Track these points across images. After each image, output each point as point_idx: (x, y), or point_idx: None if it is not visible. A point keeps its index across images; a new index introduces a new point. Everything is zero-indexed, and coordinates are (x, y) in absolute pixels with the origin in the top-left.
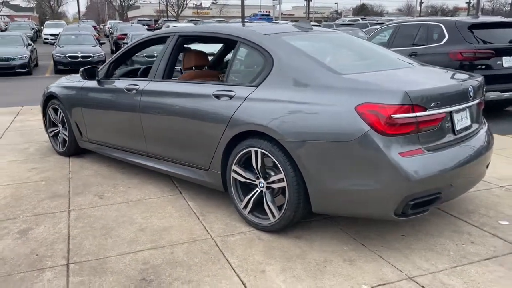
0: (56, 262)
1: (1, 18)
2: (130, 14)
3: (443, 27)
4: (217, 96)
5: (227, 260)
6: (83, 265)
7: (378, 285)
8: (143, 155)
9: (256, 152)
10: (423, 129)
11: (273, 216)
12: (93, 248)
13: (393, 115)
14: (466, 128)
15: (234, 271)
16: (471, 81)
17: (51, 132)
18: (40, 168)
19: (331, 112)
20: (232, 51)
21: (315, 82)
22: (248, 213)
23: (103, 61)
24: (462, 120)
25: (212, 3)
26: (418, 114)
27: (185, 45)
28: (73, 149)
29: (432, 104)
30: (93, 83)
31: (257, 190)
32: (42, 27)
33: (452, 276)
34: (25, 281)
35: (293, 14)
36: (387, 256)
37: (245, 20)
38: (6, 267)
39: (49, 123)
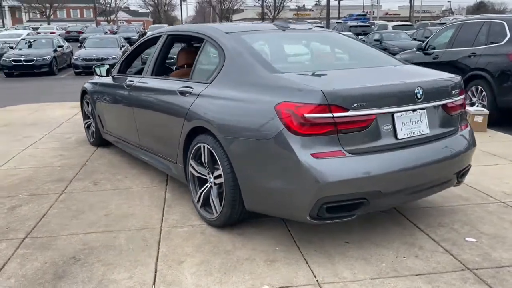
0: (17, 235)
1: (120, 22)
2: (235, 17)
3: (505, 25)
4: (181, 93)
5: (158, 249)
6: (36, 241)
7: (281, 287)
8: (137, 147)
9: (204, 147)
10: (344, 131)
11: (216, 211)
12: (54, 227)
13: (306, 115)
14: (418, 132)
15: (156, 259)
16: (422, 81)
17: (85, 123)
18: (66, 155)
19: (256, 110)
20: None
21: (249, 80)
22: (200, 207)
23: None
24: (410, 123)
25: (316, 4)
26: (336, 114)
27: (193, 45)
28: (99, 140)
29: (355, 104)
30: (108, 79)
31: (208, 185)
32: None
33: (364, 287)
34: None
35: (399, 14)
36: (312, 261)
37: (339, 21)
38: None
39: (84, 116)
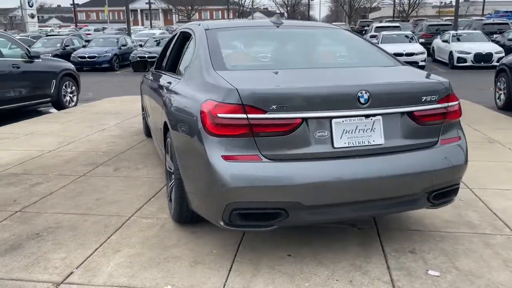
0: (14, 208)
1: None
2: (372, 15)
3: None
4: (165, 87)
5: (109, 237)
6: (23, 215)
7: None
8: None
9: (168, 142)
10: (261, 134)
11: (172, 207)
12: (47, 205)
13: (220, 114)
14: (367, 142)
15: (100, 245)
16: (369, 84)
17: (142, 115)
18: (116, 143)
19: (191, 107)
20: None
21: (198, 76)
22: (169, 201)
23: (425, 59)
24: (356, 132)
25: (465, 0)
26: (252, 116)
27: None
28: (147, 130)
29: (274, 107)
30: (148, 74)
31: (173, 180)
32: None
33: None
34: None
35: None
36: (236, 269)
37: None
38: None
39: (141, 108)
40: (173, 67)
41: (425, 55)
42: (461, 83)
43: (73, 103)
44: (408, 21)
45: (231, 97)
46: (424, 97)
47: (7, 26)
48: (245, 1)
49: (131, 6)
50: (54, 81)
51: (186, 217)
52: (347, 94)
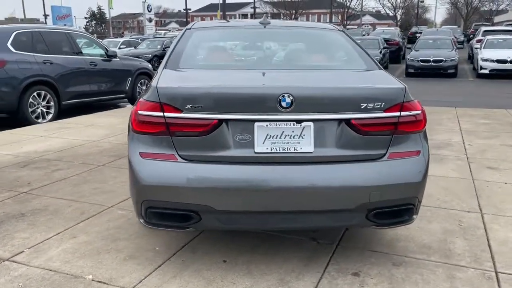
0: (23, 190)
1: (365, 26)
2: (498, 18)
3: None
4: None
5: (78, 223)
6: (25, 196)
7: (100, 280)
8: None
9: None
10: (178, 133)
11: None
12: (51, 189)
13: (140, 112)
14: (293, 149)
15: (64, 230)
16: (293, 87)
17: None
18: None
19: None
20: None
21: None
22: None
23: (455, 66)
24: (282, 137)
25: None
26: (168, 114)
27: None
28: None
29: (189, 106)
30: None
31: None
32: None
33: None
34: None
35: None
36: (164, 268)
37: None
38: None
39: None
40: None
41: None
42: None
43: None
44: None
45: (151, 95)
46: (364, 104)
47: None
48: (350, 3)
49: (241, 11)
50: (129, 78)
51: None
52: (268, 97)
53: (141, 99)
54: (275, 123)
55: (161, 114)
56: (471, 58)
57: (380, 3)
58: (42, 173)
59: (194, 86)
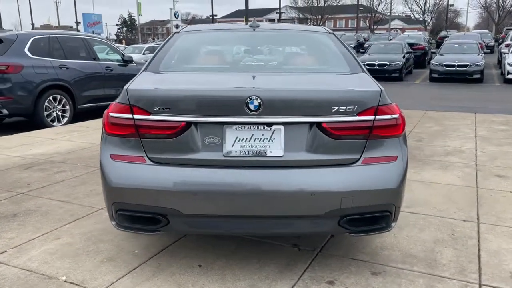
0: (21, 190)
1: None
2: None
3: None
4: None
5: (64, 225)
6: (22, 197)
7: (72, 282)
8: None
9: None
10: (147, 136)
11: None
12: (47, 191)
13: (111, 113)
14: (263, 152)
15: (48, 231)
16: (262, 89)
17: None
18: None
19: None
20: None
21: None
22: None
23: (481, 71)
24: (252, 140)
25: None
26: (137, 117)
27: None
28: None
29: (157, 108)
30: None
31: None
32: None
33: None
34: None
35: None
36: (138, 271)
37: None
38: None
39: None
40: None
41: None
42: None
43: None
44: None
45: (122, 98)
46: (335, 108)
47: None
48: (377, 7)
49: (268, 17)
50: None
51: None
52: (236, 99)
53: (113, 102)
54: (245, 126)
55: (130, 116)
56: (500, 63)
57: (409, 7)
58: (43, 175)
59: (162, 88)
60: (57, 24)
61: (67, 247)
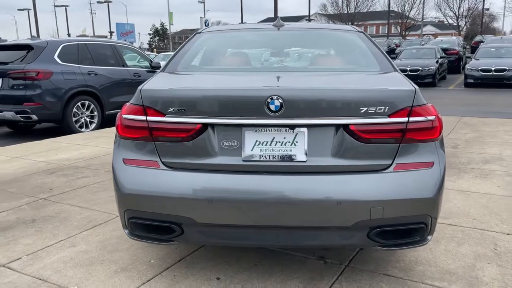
0: (43, 196)
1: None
2: None
3: None
4: None
5: (81, 232)
6: (43, 202)
7: None
8: None
9: None
10: (161, 139)
11: None
12: (68, 196)
13: (124, 115)
14: (286, 158)
15: (65, 238)
16: (283, 89)
17: None
18: None
19: None
20: None
21: None
22: None
23: None
24: (273, 144)
25: None
26: (151, 118)
27: None
28: None
29: (171, 109)
30: None
31: None
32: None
33: None
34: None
35: None
36: (152, 283)
37: None
38: (15, 184)
39: None
40: None
41: None
42: None
43: None
44: None
45: (136, 99)
46: (364, 108)
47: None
48: (409, 13)
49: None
50: None
51: None
52: (256, 99)
53: (127, 103)
54: (265, 128)
55: (144, 118)
56: None
57: (442, 12)
58: (66, 180)
59: (177, 88)
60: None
61: (82, 255)
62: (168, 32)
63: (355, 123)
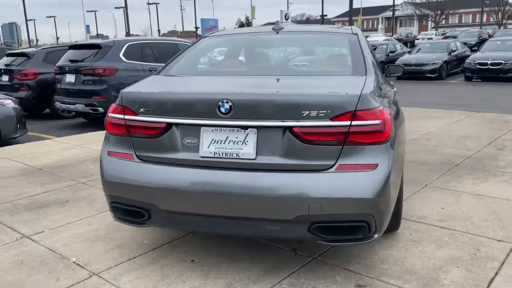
0: (83, 180)
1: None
2: None
3: None
4: None
5: (101, 212)
6: (82, 185)
7: (79, 265)
8: None
9: None
10: (135, 135)
11: None
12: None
13: (109, 113)
14: (236, 155)
15: (85, 217)
16: (233, 93)
17: None
18: None
19: None
20: None
21: None
22: None
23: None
24: (226, 142)
25: None
26: (128, 117)
27: None
28: None
29: (142, 110)
30: None
31: None
32: None
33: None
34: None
35: None
36: (135, 261)
37: None
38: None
39: None
40: None
41: None
42: None
43: None
44: None
45: (118, 99)
46: (306, 112)
47: None
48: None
49: (383, 15)
50: None
51: None
52: (209, 102)
53: (113, 103)
54: (220, 128)
55: (122, 116)
56: None
57: None
58: None
59: (147, 91)
60: (181, 30)
61: (91, 233)
62: (252, 26)
63: (298, 125)
